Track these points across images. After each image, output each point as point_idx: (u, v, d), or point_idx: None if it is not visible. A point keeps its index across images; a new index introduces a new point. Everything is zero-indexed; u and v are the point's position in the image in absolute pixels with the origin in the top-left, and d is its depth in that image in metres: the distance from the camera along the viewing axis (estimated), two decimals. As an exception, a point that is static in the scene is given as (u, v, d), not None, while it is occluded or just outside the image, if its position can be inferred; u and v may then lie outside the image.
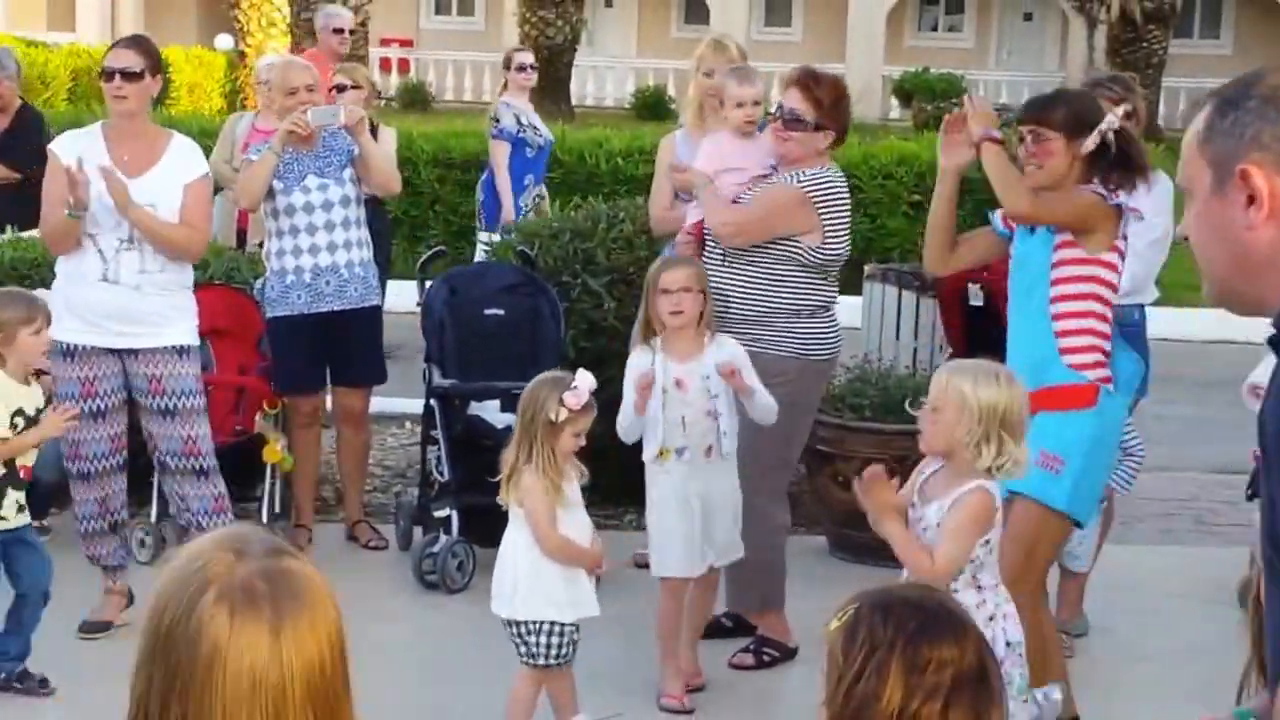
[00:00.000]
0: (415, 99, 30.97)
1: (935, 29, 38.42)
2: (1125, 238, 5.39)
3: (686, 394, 5.72)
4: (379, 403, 8.22)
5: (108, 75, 6.21)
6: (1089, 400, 5.27)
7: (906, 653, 2.33)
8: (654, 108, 32.34)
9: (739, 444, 5.89)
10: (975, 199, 13.22)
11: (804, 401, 6.17)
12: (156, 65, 6.28)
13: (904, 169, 14.01)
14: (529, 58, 11.10)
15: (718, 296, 5.99)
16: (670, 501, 5.78)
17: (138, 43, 6.35)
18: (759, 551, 6.10)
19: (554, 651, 5.20)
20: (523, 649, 5.23)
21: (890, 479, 4.53)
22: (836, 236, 6.13)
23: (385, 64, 31.84)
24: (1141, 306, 6.51)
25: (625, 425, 5.83)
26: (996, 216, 5.58)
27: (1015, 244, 5.45)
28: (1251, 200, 2.28)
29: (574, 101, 30.27)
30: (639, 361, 5.80)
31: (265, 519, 7.20)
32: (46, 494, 7.43)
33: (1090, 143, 5.26)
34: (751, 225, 6.09)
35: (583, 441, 5.23)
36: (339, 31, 10.86)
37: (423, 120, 18.16)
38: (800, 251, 6.07)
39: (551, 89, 29.46)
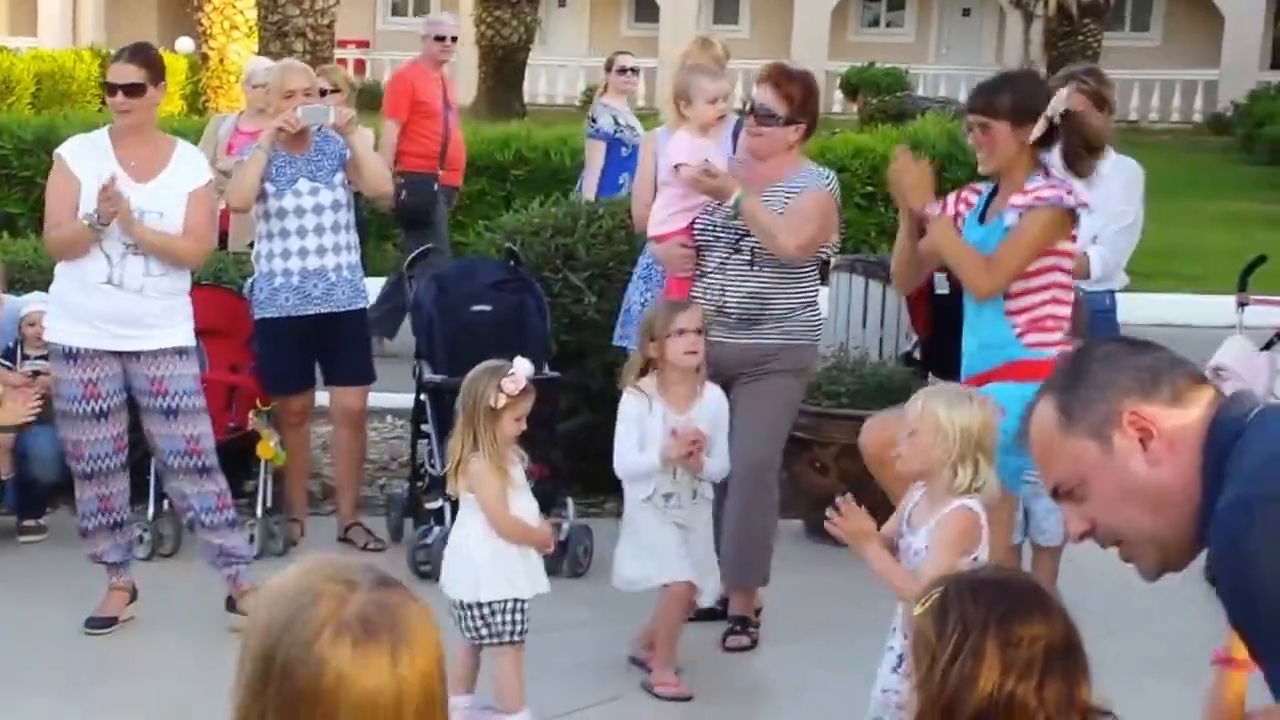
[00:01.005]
0: (372, 100, 30.93)
1: (877, 25, 38.71)
2: (1078, 222, 5.50)
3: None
4: (361, 398, 8.36)
5: (111, 90, 6.27)
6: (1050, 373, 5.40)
7: (1000, 632, 2.36)
8: (604, 105, 32.48)
9: (752, 422, 6.08)
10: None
11: (796, 393, 6.54)
12: (159, 74, 6.35)
13: (858, 161, 14.24)
14: (630, 60, 11.32)
15: (752, 300, 6.20)
16: (655, 534, 5.90)
17: (139, 54, 6.36)
18: (765, 527, 6.34)
19: (517, 628, 5.35)
20: (485, 630, 5.35)
21: (859, 506, 4.60)
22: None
23: (342, 65, 31.82)
24: (1112, 292, 6.69)
25: (634, 470, 5.91)
26: (934, 208, 5.64)
27: (965, 232, 5.51)
28: (1143, 440, 2.41)
29: (527, 100, 30.39)
30: (635, 409, 5.89)
31: (258, 513, 7.34)
32: (44, 493, 7.60)
33: (1037, 130, 5.34)
34: (820, 238, 6.27)
35: (524, 426, 5.38)
36: (440, 39, 10.97)
37: (379, 122, 18.20)
38: (826, 249, 6.39)
39: (505, 87, 29.56)
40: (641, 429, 5.87)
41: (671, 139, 6.55)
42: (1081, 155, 5.47)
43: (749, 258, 6.27)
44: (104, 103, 6.61)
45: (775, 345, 6.28)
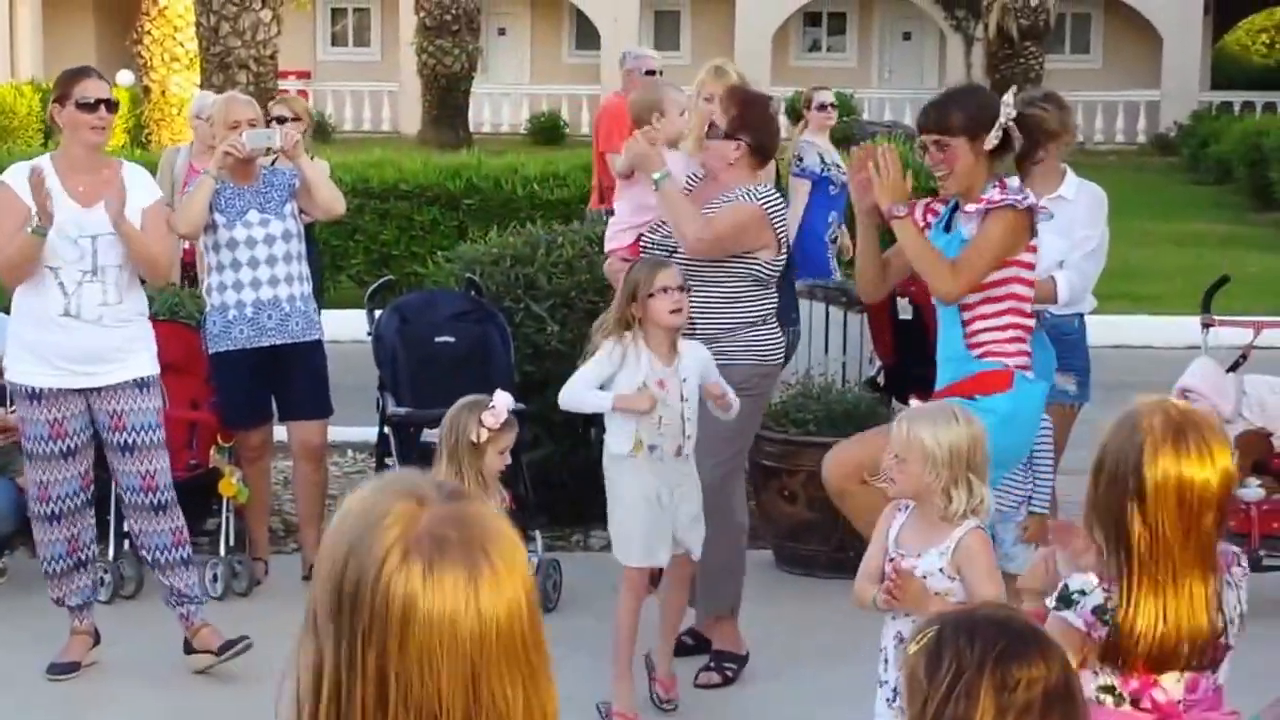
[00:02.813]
0: (315, 130, 30.92)
1: (818, 49, 38.83)
2: (1037, 232, 5.47)
3: (666, 394, 5.76)
4: (320, 432, 8.24)
5: (89, 106, 6.15)
6: (1005, 384, 5.34)
7: (995, 673, 2.29)
8: (549, 132, 32.54)
9: (700, 448, 6.00)
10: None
11: (762, 405, 6.50)
12: None
13: (813, 188, 14.21)
14: (829, 96, 11.02)
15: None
16: (637, 495, 5.81)
17: (99, 74, 6.35)
18: (724, 552, 6.21)
19: None
20: None
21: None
22: (783, 250, 6.33)
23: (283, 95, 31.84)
24: (1080, 316, 6.66)
25: (578, 400, 5.84)
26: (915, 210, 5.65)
27: (932, 242, 5.50)
28: None
29: (472, 128, 30.36)
30: (611, 352, 5.77)
31: (222, 552, 7.23)
32: (1, 541, 7.43)
33: (993, 139, 5.33)
34: (725, 240, 6.18)
35: (508, 459, 5.31)
36: (651, 73, 10.76)
37: (324, 150, 18.13)
38: (758, 267, 6.23)
39: (449, 116, 29.54)
40: (606, 372, 5.75)
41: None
42: (1040, 146, 5.59)
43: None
44: (47, 138, 6.47)
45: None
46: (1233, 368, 7.37)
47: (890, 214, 5.41)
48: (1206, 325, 7.56)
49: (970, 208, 5.39)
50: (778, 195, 6.38)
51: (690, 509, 5.92)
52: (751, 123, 6.30)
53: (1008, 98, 5.47)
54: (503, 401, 5.27)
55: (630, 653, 5.91)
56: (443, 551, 1.78)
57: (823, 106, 10.85)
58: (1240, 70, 39.54)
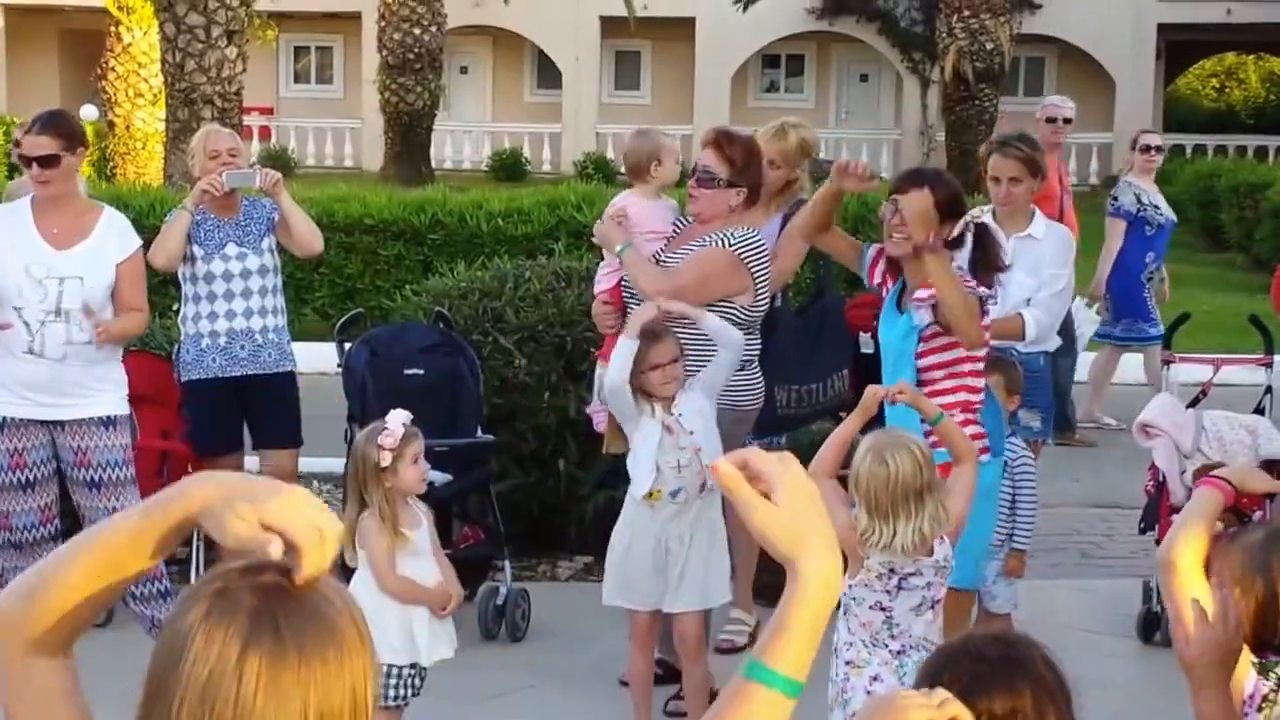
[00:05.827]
0: (276, 165, 30.86)
1: (775, 90, 39.03)
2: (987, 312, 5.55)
3: (676, 439, 5.73)
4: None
5: (26, 162, 6.25)
6: None
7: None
8: (510, 169, 32.66)
9: None
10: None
11: (734, 448, 6.41)
12: (76, 140, 6.32)
13: (773, 226, 14.33)
14: (1156, 139, 11.05)
15: None
16: (636, 544, 5.78)
17: (51, 124, 6.31)
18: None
19: (390, 693, 5.31)
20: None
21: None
22: (764, 293, 6.32)
23: (247, 131, 31.86)
24: (1046, 353, 6.75)
25: (610, 386, 5.78)
26: (870, 252, 5.73)
27: (882, 326, 5.62)
28: None
29: (434, 165, 30.42)
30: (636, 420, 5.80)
31: (193, 581, 7.25)
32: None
33: (956, 230, 5.44)
34: (688, 291, 6.08)
35: (425, 468, 5.38)
36: (1051, 121, 10.77)
37: (287, 186, 18.14)
38: (735, 312, 6.16)
39: (411, 153, 29.56)
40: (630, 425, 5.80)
41: (621, 200, 6.66)
42: (985, 269, 5.57)
43: None
44: (12, 172, 6.53)
45: None
46: (1192, 403, 7.48)
47: (925, 248, 5.37)
48: (1167, 362, 7.69)
49: (921, 293, 5.42)
50: (757, 238, 6.33)
51: (701, 560, 5.78)
52: (753, 170, 6.37)
53: (979, 210, 5.60)
54: (395, 419, 5.36)
55: (647, 703, 5.91)
56: (226, 611, 1.76)
57: (1147, 149, 10.91)
58: (1191, 114, 39.93)
